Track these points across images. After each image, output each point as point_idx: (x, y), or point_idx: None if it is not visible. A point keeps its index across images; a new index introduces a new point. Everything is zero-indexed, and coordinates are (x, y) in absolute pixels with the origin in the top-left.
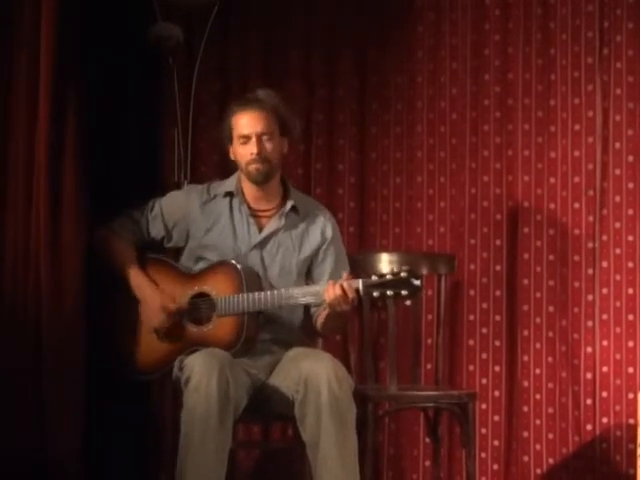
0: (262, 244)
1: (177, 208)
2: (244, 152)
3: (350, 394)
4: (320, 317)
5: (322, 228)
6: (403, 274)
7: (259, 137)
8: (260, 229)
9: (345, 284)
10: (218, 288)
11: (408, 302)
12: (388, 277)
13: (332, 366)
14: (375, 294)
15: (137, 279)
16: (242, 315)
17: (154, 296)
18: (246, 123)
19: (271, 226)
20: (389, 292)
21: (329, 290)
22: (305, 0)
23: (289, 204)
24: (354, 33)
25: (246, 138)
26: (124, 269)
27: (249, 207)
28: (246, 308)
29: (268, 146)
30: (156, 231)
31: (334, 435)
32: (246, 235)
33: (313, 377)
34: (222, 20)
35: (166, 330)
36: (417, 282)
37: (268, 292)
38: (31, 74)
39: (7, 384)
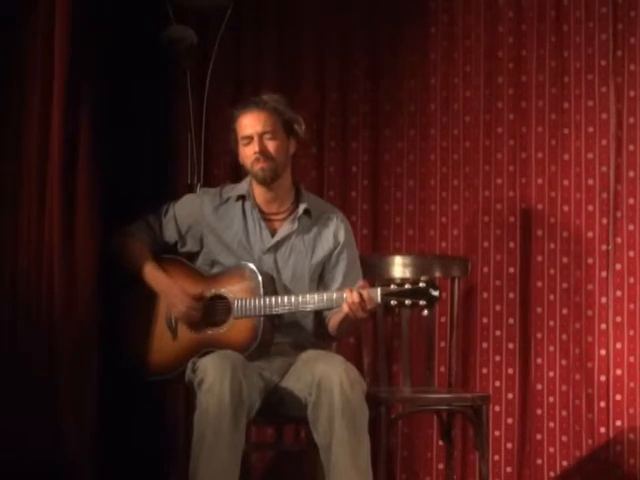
0: (275, 248)
1: (190, 212)
2: (248, 153)
3: (362, 397)
4: (333, 321)
5: (335, 232)
6: (422, 284)
7: (260, 136)
8: (272, 233)
9: (364, 293)
10: (235, 291)
11: (425, 312)
12: (407, 286)
13: (344, 369)
14: (393, 302)
15: (154, 274)
16: (258, 318)
17: (173, 285)
18: (247, 124)
19: (284, 230)
20: (407, 302)
21: (347, 297)
22: (318, 3)
23: (301, 208)
24: (367, 36)
25: (248, 139)
26: (141, 267)
27: (260, 211)
28: (262, 311)
29: (270, 144)
30: (170, 235)
31: (347, 437)
32: (259, 239)
33: (326, 380)
34: (235, 23)
35: (193, 311)
36: (435, 292)
37: (285, 297)
38: (45, 78)
39: (22, 385)
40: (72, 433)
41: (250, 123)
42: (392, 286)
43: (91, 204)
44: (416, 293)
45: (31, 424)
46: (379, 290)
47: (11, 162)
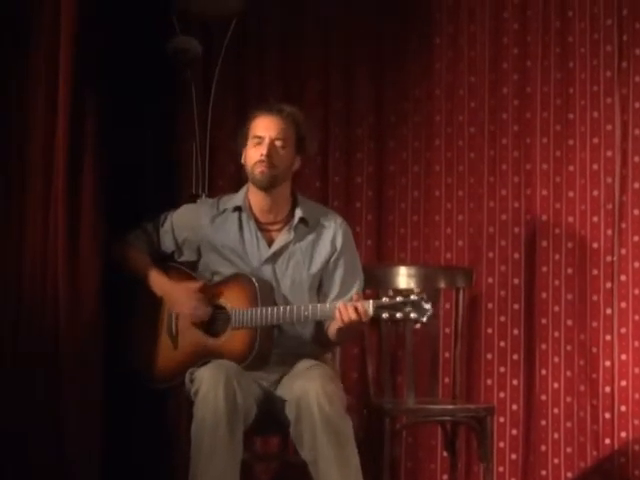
0: (273, 259)
1: (187, 224)
2: (254, 153)
3: (342, 409)
4: (332, 328)
5: (332, 238)
6: (414, 297)
7: (272, 141)
8: (269, 243)
9: (358, 306)
10: (233, 301)
11: (418, 325)
12: (398, 299)
13: (321, 385)
14: (384, 316)
15: (157, 279)
16: (256, 329)
17: (176, 285)
18: (263, 125)
19: (280, 240)
20: (398, 315)
21: (341, 311)
22: (322, 13)
23: (297, 217)
24: (372, 46)
25: (259, 139)
26: (144, 275)
27: (257, 221)
28: (260, 322)
29: (278, 152)
30: (167, 246)
31: (332, 454)
32: (256, 250)
33: (304, 398)
34: (240, 34)
35: (199, 306)
36: (427, 306)
37: (282, 307)
38: (50, 85)
39: (26, 389)
40: (74, 434)
41: (266, 125)
42: (384, 299)
43: (96, 211)
44: (408, 306)
45: (33, 424)
46: (371, 303)
47: (16, 169)
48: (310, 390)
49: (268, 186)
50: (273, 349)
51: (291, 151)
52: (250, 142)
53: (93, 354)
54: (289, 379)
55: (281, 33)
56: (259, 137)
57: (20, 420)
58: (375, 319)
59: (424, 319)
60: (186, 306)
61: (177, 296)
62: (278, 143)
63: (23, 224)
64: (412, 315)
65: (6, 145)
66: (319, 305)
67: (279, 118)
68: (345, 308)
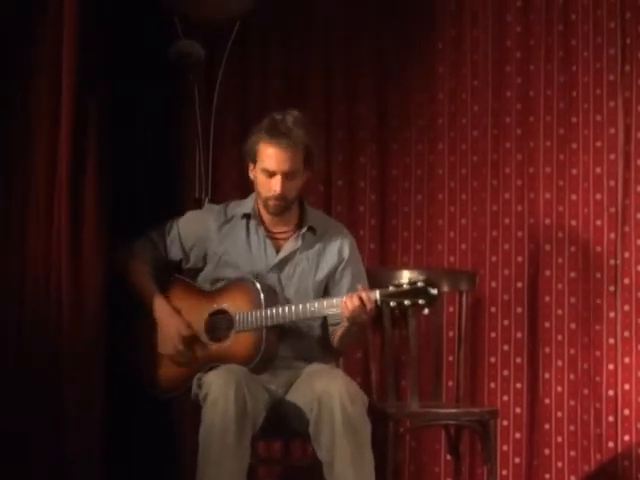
0: (280, 266)
1: (194, 230)
2: (266, 185)
3: (364, 411)
4: (337, 333)
5: (339, 248)
6: (420, 283)
7: (284, 175)
8: (277, 250)
9: (363, 294)
10: (236, 304)
11: (426, 311)
12: (405, 287)
13: (345, 384)
14: (392, 304)
15: (156, 303)
16: (260, 331)
17: (170, 322)
18: (274, 158)
19: (288, 247)
20: (406, 302)
21: (347, 302)
22: (325, 17)
23: (306, 225)
24: (375, 50)
25: (270, 173)
26: (144, 293)
27: (266, 229)
28: (264, 323)
29: (290, 185)
30: (174, 253)
31: (349, 454)
32: (263, 257)
33: (326, 396)
34: (243, 37)
35: (180, 355)
36: (434, 291)
37: (286, 306)
38: (53, 91)
39: (27, 389)
40: (74, 434)
41: (277, 159)
42: (390, 287)
43: (98, 217)
44: (415, 292)
45: (33, 424)
46: (378, 292)
47: (19, 169)
48: (334, 390)
49: (280, 213)
50: (280, 352)
51: (301, 176)
52: (260, 170)
53: (95, 355)
54: (305, 380)
55: (284, 36)
56: (270, 171)
57: (20, 420)
58: (379, 320)
59: (432, 304)
60: (169, 347)
61: (164, 333)
62: (290, 176)
63: (26, 224)
64: (420, 301)
65: (9, 145)
66: (325, 299)
67: (289, 148)
68: (351, 298)
